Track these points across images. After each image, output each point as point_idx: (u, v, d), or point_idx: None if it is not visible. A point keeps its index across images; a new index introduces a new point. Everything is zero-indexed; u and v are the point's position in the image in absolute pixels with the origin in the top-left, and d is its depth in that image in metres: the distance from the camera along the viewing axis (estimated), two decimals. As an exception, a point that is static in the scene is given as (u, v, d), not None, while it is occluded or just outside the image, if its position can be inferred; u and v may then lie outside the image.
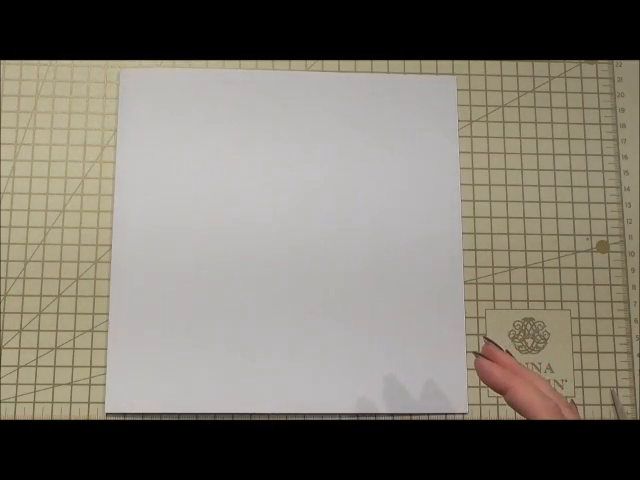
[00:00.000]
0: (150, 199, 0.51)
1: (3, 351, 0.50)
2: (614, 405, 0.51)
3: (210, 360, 0.49)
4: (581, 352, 0.52)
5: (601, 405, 0.51)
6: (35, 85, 0.53)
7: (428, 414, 0.50)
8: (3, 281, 0.50)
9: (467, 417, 0.50)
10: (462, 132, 0.54)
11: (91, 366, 0.50)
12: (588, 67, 0.56)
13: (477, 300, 0.52)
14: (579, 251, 0.53)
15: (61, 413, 0.49)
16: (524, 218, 0.53)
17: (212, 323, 0.50)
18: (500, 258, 0.53)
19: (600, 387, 0.51)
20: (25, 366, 0.49)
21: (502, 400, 0.34)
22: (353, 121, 0.53)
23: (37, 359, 0.49)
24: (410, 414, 0.50)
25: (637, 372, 0.51)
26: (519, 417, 0.33)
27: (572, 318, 0.52)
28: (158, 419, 0.49)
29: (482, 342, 0.37)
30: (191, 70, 0.53)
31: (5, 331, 0.50)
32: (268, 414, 0.49)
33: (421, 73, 0.55)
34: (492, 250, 0.53)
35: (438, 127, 0.54)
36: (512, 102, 0.55)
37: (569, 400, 0.35)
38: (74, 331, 0.50)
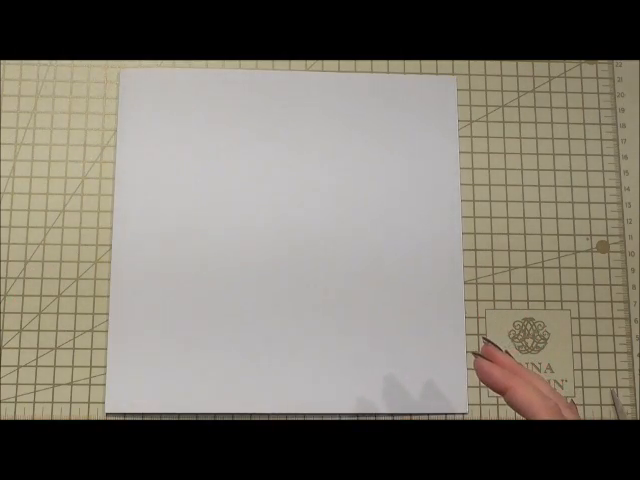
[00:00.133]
0: (150, 199, 0.51)
1: (3, 351, 0.50)
2: (614, 405, 0.51)
3: (210, 360, 0.49)
4: (581, 352, 0.52)
5: (601, 405, 0.51)
6: (35, 85, 0.53)
7: (428, 414, 0.50)
8: (3, 281, 0.50)
9: (467, 417, 0.50)
10: (462, 132, 0.54)
11: (91, 366, 0.50)
12: (588, 67, 0.56)
13: (477, 300, 0.52)
14: (579, 251, 0.53)
15: (61, 413, 0.49)
16: (524, 218, 0.53)
17: (212, 323, 0.50)
18: (500, 258, 0.53)
19: (600, 387, 0.51)
20: (25, 366, 0.49)
21: (502, 400, 0.34)
22: (353, 121, 0.53)
23: (37, 359, 0.49)
24: (410, 414, 0.50)
25: (637, 372, 0.51)
26: (519, 417, 0.33)
27: (572, 318, 0.52)
28: (158, 419, 0.49)
29: (482, 342, 0.37)
30: (191, 70, 0.53)
31: (5, 331, 0.50)
32: (268, 414, 0.49)
33: (421, 73, 0.55)
34: (492, 250, 0.53)
35: (438, 127, 0.54)
36: (512, 102, 0.55)
37: (569, 400, 0.35)
38: (74, 331, 0.50)
